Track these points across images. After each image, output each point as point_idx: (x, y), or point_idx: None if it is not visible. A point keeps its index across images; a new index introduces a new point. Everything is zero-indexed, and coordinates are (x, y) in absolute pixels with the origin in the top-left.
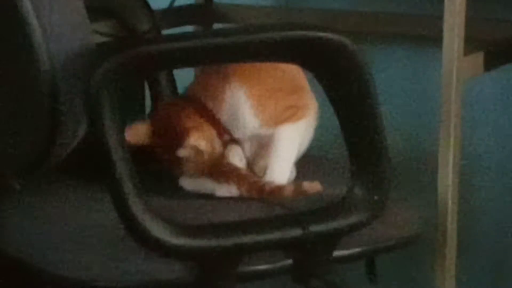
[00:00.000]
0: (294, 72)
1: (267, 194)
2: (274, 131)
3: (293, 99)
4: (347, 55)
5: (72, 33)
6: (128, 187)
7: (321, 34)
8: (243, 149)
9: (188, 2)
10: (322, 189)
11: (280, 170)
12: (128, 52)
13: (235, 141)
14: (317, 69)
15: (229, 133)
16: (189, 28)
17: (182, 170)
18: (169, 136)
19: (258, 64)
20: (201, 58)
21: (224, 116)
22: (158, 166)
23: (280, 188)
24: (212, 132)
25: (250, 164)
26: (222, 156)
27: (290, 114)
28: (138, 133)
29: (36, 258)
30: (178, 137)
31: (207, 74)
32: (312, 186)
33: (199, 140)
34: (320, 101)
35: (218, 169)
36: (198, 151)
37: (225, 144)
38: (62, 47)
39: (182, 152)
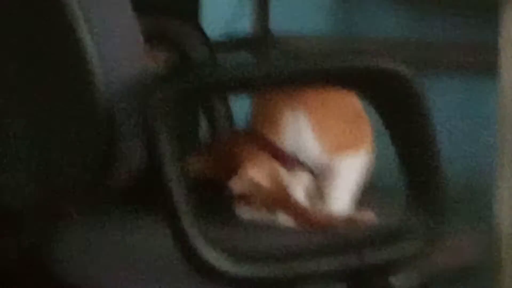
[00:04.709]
0: (353, 100)
1: (318, 224)
2: (335, 160)
3: (354, 127)
4: (405, 84)
5: (129, 60)
6: (185, 215)
7: (380, 62)
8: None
9: (244, 32)
10: (375, 218)
11: (341, 200)
12: (185, 79)
13: (300, 167)
14: (374, 97)
15: (295, 158)
16: None
17: (242, 203)
18: (225, 169)
19: (318, 90)
20: (256, 85)
21: (286, 143)
22: (214, 195)
23: (331, 218)
24: (272, 165)
25: (308, 193)
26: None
27: (352, 142)
28: (194, 166)
29: (94, 285)
30: (234, 170)
31: (264, 102)
32: (364, 216)
33: (255, 172)
34: (380, 129)
35: (273, 198)
36: (253, 184)
37: (291, 172)
38: (119, 73)
39: (235, 185)
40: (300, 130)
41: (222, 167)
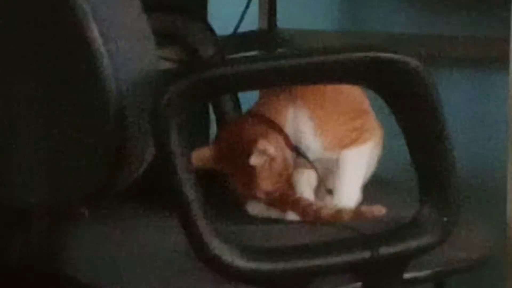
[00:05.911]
0: (358, 96)
1: (325, 219)
2: (339, 155)
3: (358, 123)
4: (416, 77)
5: (139, 59)
6: (196, 210)
7: (390, 55)
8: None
9: (252, 28)
10: (385, 211)
11: (348, 194)
12: (195, 76)
13: (304, 164)
14: (385, 91)
15: (297, 150)
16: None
17: (257, 185)
18: (235, 154)
19: (322, 87)
20: (267, 81)
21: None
22: (224, 191)
23: (338, 212)
24: (280, 140)
25: (315, 189)
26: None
27: (355, 137)
28: (201, 157)
29: (105, 284)
30: (245, 151)
31: (270, 94)
32: (372, 210)
33: (268, 146)
34: (387, 123)
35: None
36: (269, 156)
37: (295, 162)
38: (129, 72)
39: (253, 159)
40: (301, 126)
41: (230, 155)
